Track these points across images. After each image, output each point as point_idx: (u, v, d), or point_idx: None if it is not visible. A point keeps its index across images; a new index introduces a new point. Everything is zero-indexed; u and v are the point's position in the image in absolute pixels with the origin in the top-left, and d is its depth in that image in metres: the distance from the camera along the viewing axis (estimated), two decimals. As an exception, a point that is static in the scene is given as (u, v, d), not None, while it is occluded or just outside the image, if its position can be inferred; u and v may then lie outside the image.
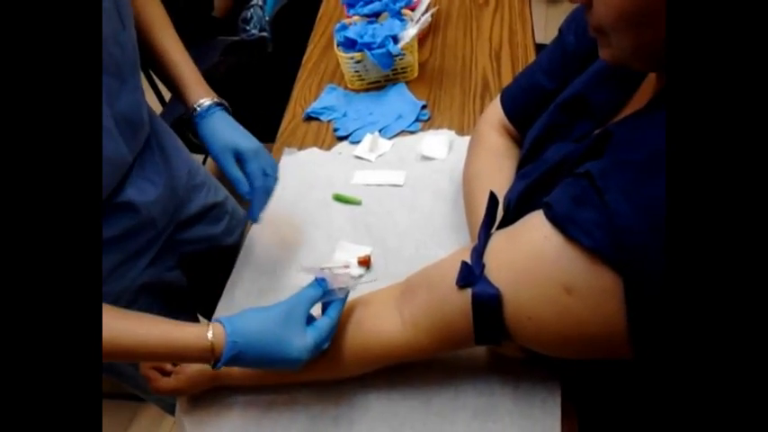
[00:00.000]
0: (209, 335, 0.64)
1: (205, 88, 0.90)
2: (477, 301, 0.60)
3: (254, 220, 0.86)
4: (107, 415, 1.87)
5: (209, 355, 0.64)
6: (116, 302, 0.65)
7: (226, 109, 0.90)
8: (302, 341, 0.65)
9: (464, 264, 0.62)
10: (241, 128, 0.89)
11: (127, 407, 1.87)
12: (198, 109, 0.87)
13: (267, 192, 0.86)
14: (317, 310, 0.70)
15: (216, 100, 0.89)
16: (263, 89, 1.81)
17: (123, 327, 0.63)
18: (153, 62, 0.91)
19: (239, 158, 0.85)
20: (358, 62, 1.21)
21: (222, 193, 1.13)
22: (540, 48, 1.27)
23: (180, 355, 0.66)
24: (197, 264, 1.08)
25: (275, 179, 0.88)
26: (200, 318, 1.22)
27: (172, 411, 1.27)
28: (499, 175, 0.83)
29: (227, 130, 0.87)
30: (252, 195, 0.85)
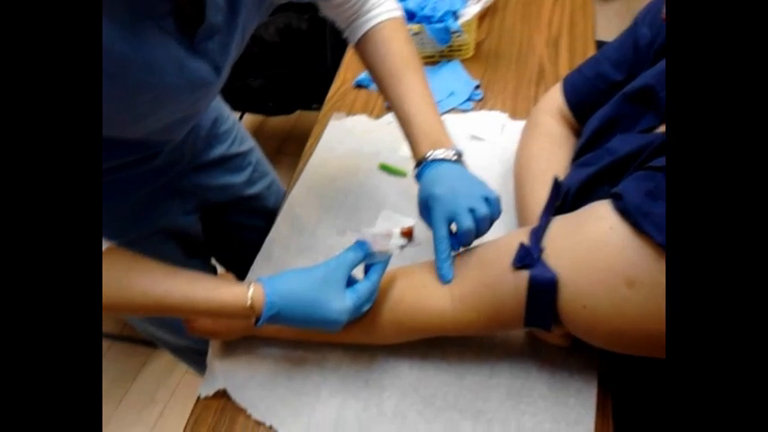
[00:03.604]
0: (250, 294, 0.65)
1: (430, 143, 0.77)
2: (533, 283, 0.60)
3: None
4: (119, 358, 1.91)
5: (250, 313, 0.65)
6: (135, 246, 0.66)
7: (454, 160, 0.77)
8: (341, 303, 0.65)
9: (522, 245, 0.62)
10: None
11: (140, 351, 1.91)
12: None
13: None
14: (360, 273, 0.70)
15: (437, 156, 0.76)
16: (312, 52, 1.81)
17: (172, 284, 0.65)
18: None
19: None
20: (415, 34, 1.19)
21: (248, 143, 1.12)
22: (598, 45, 1.25)
23: (223, 313, 0.66)
24: (216, 211, 1.09)
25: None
26: (215, 263, 1.23)
27: (192, 361, 1.29)
28: (555, 161, 0.82)
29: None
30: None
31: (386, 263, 0.69)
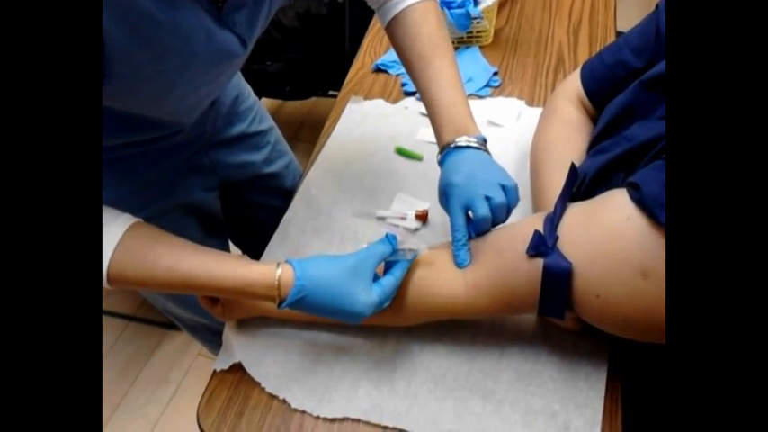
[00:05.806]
0: (278, 274, 0.64)
1: (455, 130, 0.77)
2: (547, 272, 0.60)
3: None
4: (135, 338, 1.93)
5: (275, 293, 0.64)
6: (156, 221, 0.66)
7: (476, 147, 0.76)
8: (368, 297, 0.64)
9: (537, 233, 0.62)
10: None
11: (155, 332, 1.94)
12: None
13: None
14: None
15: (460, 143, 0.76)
16: (330, 39, 1.81)
17: (197, 261, 0.64)
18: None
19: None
20: (435, 20, 1.19)
21: (267, 123, 1.13)
22: (618, 35, 1.24)
23: (247, 292, 0.65)
24: (235, 190, 1.10)
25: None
26: (231, 245, 1.24)
27: (206, 339, 1.31)
28: (572, 147, 0.82)
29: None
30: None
31: (411, 261, 0.69)
